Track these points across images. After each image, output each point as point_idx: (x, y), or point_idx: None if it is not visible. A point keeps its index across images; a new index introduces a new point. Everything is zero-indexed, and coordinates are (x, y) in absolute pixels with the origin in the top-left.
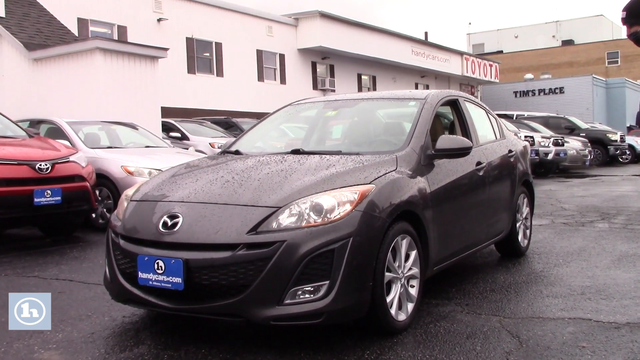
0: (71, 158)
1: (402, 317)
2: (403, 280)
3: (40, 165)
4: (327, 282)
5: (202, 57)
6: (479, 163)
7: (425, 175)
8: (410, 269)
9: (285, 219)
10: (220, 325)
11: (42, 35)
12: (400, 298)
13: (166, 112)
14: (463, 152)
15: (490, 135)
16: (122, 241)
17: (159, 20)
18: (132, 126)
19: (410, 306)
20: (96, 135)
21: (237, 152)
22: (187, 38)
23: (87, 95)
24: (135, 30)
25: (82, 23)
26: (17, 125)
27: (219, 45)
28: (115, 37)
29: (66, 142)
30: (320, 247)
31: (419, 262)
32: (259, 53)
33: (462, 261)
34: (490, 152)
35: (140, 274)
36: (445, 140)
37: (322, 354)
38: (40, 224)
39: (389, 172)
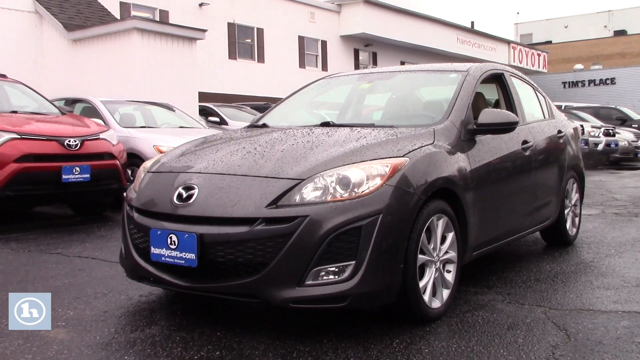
0: (101, 135)
1: (436, 304)
2: (438, 264)
3: (69, 141)
4: (353, 262)
5: (244, 42)
6: (525, 142)
7: (466, 152)
8: (446, 252)
9: (308, 193)
10: (239, 307)
11: (81, 16)
12: (435, 283)
13: (206, 97)
14: (508, 127)
15: (538, 113)
16: (136, 214)
17: (201, 5)
18: (169, 107)
19: (445, 293)
20: (131, 115)
21: (264, 126)
22: (228, 23)
23: (124, 75)
24: (177, 15)
25: (124, 7)
26: (50, 102)
27: (260, 31)
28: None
29: (99, 121)
30: (346, 224)
31: (457, 245)
32: (301, 39)
33: (504, 248)
34: (538, 131)
35: (152, 249)
36: (489, 114)
37: (346, 341)
38: (70, 202)
39: (425, 146)
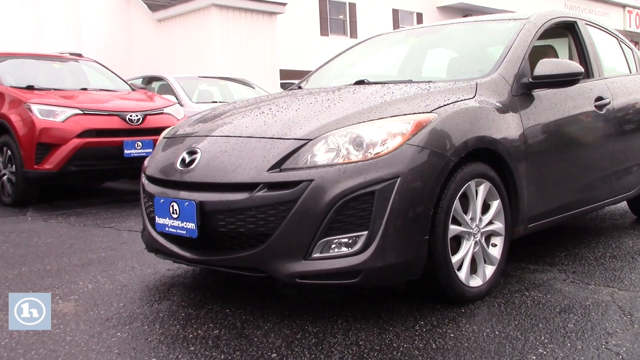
0: (165, 110)
1: (476, 282)
2: (479, 236)
3: (131, 116)
4: (365, 232)
5: (336, 18)
6: (599, 99)
7: (518, 109)
8: (490, 223)
9: (317, 154)
10: (261, 282)
11: None
12: (475, 258)
13: (297, 74)
14: (569, 79)
15: (623, 68)
16: (146, 182)
17: None
18: (246, 83)
19: (489, 270)
20: (208, 92)
21: (298, 88)
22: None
23: (204, 52)
24: None
25: None
26: (122, 80)
27: (352, 6)
28: None
29: (171, 97)
30: (357, 189)
31: (504, 215)
32: (395, 12)
33: (579, 221)
34: (619, 87)
35: (157, 219)
36: (547, 65)
37: (362, 322)
38: (133, 177)
39: (461, 100)
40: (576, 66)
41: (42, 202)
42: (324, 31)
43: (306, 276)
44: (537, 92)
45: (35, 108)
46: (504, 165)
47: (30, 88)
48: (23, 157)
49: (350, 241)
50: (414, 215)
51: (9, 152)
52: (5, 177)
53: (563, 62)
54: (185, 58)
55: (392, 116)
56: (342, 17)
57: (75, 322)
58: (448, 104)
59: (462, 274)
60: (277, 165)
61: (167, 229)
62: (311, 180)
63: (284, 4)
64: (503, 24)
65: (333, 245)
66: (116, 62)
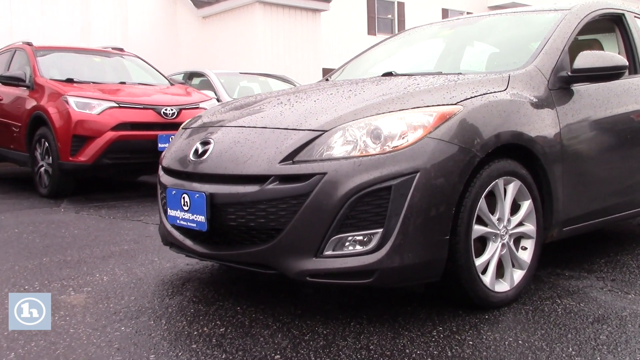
0: (201, 105)
1: (502, 287)
2: (507, 238)
3: (166, 110)
4: (380, 230)
5: (384, 18)
6: None
7: (555, 104)
8: (520, 224)
9: (332, 147)
10: (277, 281)
11: None
12: (503, 262)
13: None
14: (612, 73)
15: None
16: (162, 173)
17: None
18: (287, 80)
19: (518, 274)
20: (247, 88)
21: (326, 80)
22: None
23: (247, 49)
24: None
25: None
26: (161, 74)
27: (401, 5)
28: None
29: (209, 92)
30: (372, 184)
31: (536, 217)
32: (445, 12)
33: (626, 227)
34: None
35: (169, 211)
36: (587, 57)
37: (377, 325)
38: None
39: (490, 93)
40: (619, 59)
41: (78, 195)
42: (371, 30)
43: (317, 274)
44: (577, 87)
45: (72, 100)
46: (536, 163)
47: (69, 81)
48: (59, 149)
49: (365, 239)
50: (434, 214)
51: (47, 144)
52: (42, 169)
53: (605, 55)
54: (229, 54)
55: (414, 108)
56: (390, 16)
57: (82, 314)
58: (475, 96)
59: (487, 278)
60: (290, 157)
61: (178, 221)
62: (324, 174)
63: (328, 1)
64: (543, 15)
65: (347, 243)
66: (162, 58)
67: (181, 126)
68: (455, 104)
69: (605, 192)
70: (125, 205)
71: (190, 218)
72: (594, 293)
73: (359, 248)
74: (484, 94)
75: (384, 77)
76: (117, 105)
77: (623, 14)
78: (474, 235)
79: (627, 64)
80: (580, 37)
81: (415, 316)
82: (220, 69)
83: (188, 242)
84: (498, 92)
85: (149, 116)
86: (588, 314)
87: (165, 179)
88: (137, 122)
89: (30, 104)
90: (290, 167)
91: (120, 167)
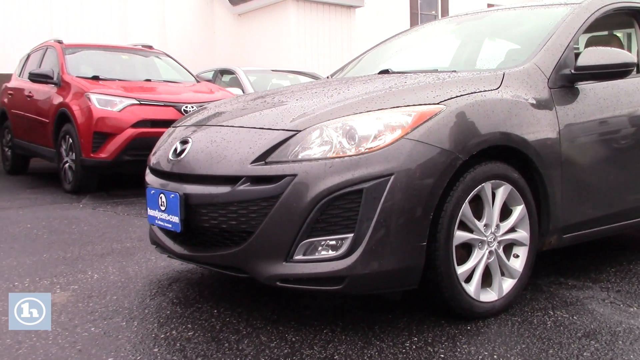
0: None
1: (489, 296)
2: (494, 245)
3: (186, 107)
4: (351, 235)
5: (427, 14)
6: None
7: (555, 103)
8: (511, 230)
9: (307, 147)
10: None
11: None
12: (490, 270)
13: None
14: (619, 70)
15: None
16: (147, 172)
17: None
18: (317, 77)
19: (508, 283)
20: (278, 85)
21: (327, 78)
22: None
23: (281, 46)
24: None
25: None
26: (187, 70)
27: (445, 1)
28: None
29: (236, 90)
30: (343, 187)
31: (530, 223)
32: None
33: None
34: None
35: (148, 211)
36: (592, 54)
37: (350, 333)
38: None
39: (479, 92)
40: (627, 56)
41: (101, 190)
42: (414, 27)
43: (287, 280)
44: (582, 86)
45: (94, 97)
46: (531, 166)
47: (95, 78)
48: (81, 145)
49: (336, 244)
50: (409, 218)
51: (70, 140)
52: (67, 165)
53: (611, 51)
54: (263, 52)
55: (394, 107)
56: (434, 12)
57: (58, 313)
58: (462, 95)
59: (471, 287)
60: (262, 158)
61: (156, 221)
62: (294, 175)
63: None
64: (552, 10)
65: (320, 248)
66: (199, 55)
67: (172, 124)
68: (437, 104)
69: (612, 197)
70: (142, 202)
71: (166, 218)
72: (593, 305)
73: (329, 253)
74: (472, 93)
75: (375, 75)
76: (138, 102)
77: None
78: (456, 242)
79: (635, 61)
80: (599, 33)
81: (393, 325)
82: (253, 66)
83: (169, 242)
84: (488, 90)
85: (169, 113)
86: (579, 328)
87: (149, 177)
88: (157, 119)
89: (57, 100)
90: (262, 168)
91: (141, 164)
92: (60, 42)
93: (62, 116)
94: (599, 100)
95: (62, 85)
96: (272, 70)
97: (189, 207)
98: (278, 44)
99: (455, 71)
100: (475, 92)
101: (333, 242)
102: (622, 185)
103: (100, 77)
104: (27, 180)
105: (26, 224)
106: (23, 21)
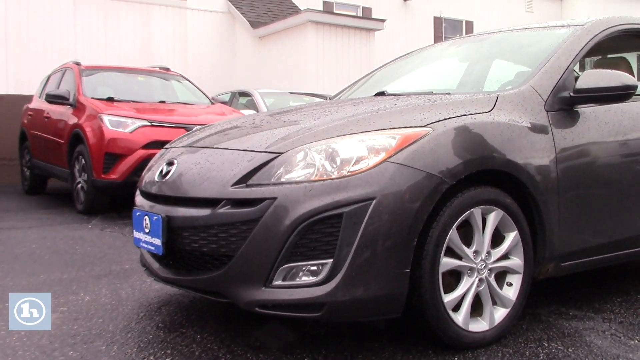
0: None
1: (480, 326)
2: (485, 272)
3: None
4: (330, 260)
5: (451, 37)
6: None
7: (551, 126)
8: (504, 257)
9: (289, 170)
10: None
11: (270, 14)
12: (481, 299)
13: None
14: (618, 93)
15: None
16: (137, 193)
17: (406, 0)
18: None
19: (500, 313)
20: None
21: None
22: (434, 17)
23: (300, 68)
24: (381, 11)
25: (327, 6)
26: (202, 92)
27: (469, 24)
28: None
29: (251, 112)
30: (323, 210)
31: (524, 250)
32: None
33: None
34: None
35: (134, 233)
36: (591, 76)
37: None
38: None
39: (469, 114)
40: (627, 78)
41: (113, 211)
42: None
43: (265, 305)
44: (582, 109)
45: (106, 119)
46: (525, 191)
47: (110, 100)
48: (93, 166)
49: (317, 268)
50: (391, 244)
51: (83, 161)
52: (79, 185)
53: (611, 73)
54: (283, 74)
55: (378, 130)
56: (458, 36)
57: (40, 336)
58: (450, 118)
59: (460, 316)
60: (244, 180)
61: (141, 243)
62: (274, 199)
63: (382, 20)
64: (553, 31)
65: (301, 273)
66: (220, 77)
67: (165, 145)
68: (424, 126)
69: (615, 224)
70: None
71: (150, 241)
72: (591, 337)
73: (310, 279)
74: (461, 116)
75: (369, 98)
76: (150, 123)
77: None
78: (443, 269)
79: (636, 83)
80: (610, 56)
81: (378, 354)
82: (271, 89)
83: (154, 265)
84: (479, 113)
85: (179, 135)
86: None
87: (138, 199)
88: (168, 140)
89: (72, 121)
90: (242, 191)
91: None
92: (78, 63)
93: (76, 137)
94: (600, 124)
95: (77, 107)
96: (290, 93)
97: (171, 229)
98: (297, 66)
99: (449, 93)
100: (465, 115)
101: (314, 268)
102: (625, 212)
103: (115, 98)
104: (43, 200)
105: (31, 244)
106: (47, 42)
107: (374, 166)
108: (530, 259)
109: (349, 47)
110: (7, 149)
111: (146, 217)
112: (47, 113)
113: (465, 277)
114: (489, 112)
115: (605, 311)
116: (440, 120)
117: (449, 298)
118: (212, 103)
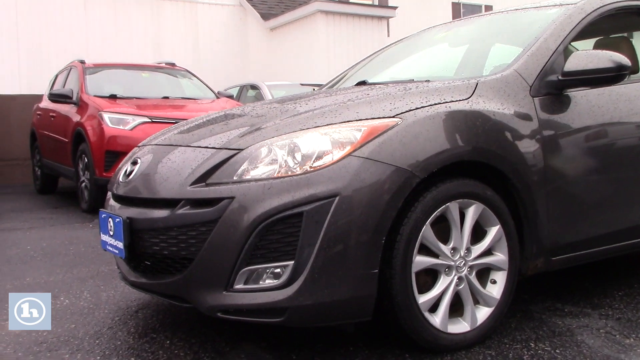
0: None
1: (460, 327)
2: (464, 270)
3: None
4: (292, 262)
5: None
6: None
7: (537, 113)
8: (486, 254)
9: (250, 167)
10: None
11: (282, 5)
12: (462, 298)
13: None
14: (610, 75)
15: None
16: (108, 195)
17: None
18: None
19: (483, 312)
20: None
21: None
22: (452, 3)
23: (311, 59)
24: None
25: None
26: (207, 87)
27: (488, 9)
28: None
29: None
30: (282, 210)
31: (508, 245)
32: None
33: None
34: None
35: (101, 235)
36: (580, 58)
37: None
38: None
39: (444, 102)
40: (619, 58)
41: None
42: None
43: (227, 310)
44: (573, 93)
45: (106, 117)
46: (508, 183)
47: (113, 97)
48: (94, 164)
49: (279, 271)
50: (356, 244)
51: (86, 160)
52: (83, 184)
53: (601, 54)
54: (294, 65)
55: (343, 122)
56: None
57: (7, 342)
58: (422, 107)
59: (437, 318)
60: (203, 179)
61: (107, 246)
62: (232, 198)
63: (394, 8)
64: (544, 12)
65: (265, 276)
66: (232, 70)
67: (139, 144)
68: (392, 117)
69: (611, 214)
70: None
71: (114, 244)
72: (584, 335)
73: (272, 282)
74: (435, 104)
75: (346, 88)
76: (150, 120)
77: None
78: (416, 268)
79: (629, 64)
80: (611, 36)
81: (351, 358)
82: (282, 80)
83: (124, 269)
84: (455, 101)
85: None
86: None
87: (109, 200)
88: None
89: (75, 119)
90: (200, 191)
91: None
92: (82, 62)
93: (79, 135)
94: (593, 108)
95: (80, 105)
96: (301, 84)
97: (133, 232)
98: (308, 56)
99: (428, 80)
100: (439, 104)
101: (277, 270)
102: (623, 201)
103: (117, 95)
104: (53, 199)
105: (26, 245)
106: (59, 41)
107: (338, 161)
108: (516, 255)
109: (360, 36)
110: (21, 149)
111: (110, 219)
112: (54, 112)
113: (442, 276)
114: (466, 99)
115: (603, 307)
116: (410, 110)
117: (424, 299)
118: (218, 97)
